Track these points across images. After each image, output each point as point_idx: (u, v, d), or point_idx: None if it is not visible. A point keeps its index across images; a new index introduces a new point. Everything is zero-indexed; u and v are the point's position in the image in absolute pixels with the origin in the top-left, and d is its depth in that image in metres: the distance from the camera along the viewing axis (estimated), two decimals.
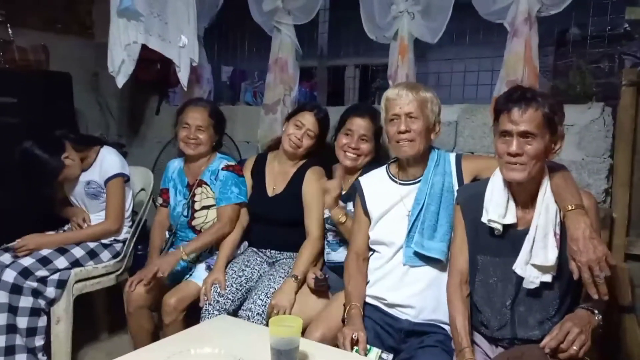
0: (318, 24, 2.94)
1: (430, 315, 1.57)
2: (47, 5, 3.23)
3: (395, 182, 1.69)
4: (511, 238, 1.41)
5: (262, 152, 2.29)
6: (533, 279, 1.34)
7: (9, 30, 2.89)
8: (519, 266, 1.36)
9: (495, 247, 1.43)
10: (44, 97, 2.75)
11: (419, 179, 1.65)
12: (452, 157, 1.69)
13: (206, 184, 2.18)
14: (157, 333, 2.13)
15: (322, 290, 1.92)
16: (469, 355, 1.37)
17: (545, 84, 2.33)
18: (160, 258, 2.05)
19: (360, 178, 1.79)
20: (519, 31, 2.03)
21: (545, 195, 1.37)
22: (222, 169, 2.15)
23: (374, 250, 1.71)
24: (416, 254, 1.58)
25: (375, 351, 1.45)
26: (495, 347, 1.46)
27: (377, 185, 1.73)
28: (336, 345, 1.55)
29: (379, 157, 2.02)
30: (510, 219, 1.40)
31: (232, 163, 2.19)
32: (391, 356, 1.46)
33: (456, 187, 1.63)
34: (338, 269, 1.94)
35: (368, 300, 1.66)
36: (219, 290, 1.95)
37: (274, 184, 2.14)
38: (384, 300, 1.62)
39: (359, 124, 1.95)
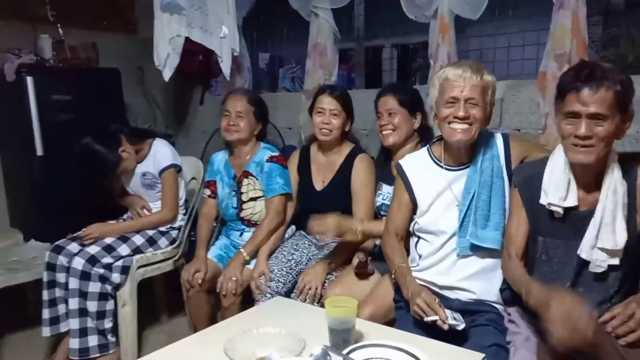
0: (354, 5, 2.93)
1: (481, 296, 1.57)
2: (93, 4, 3.35)
3: (441, 167, 1.63)
4: (572, 220, 1.36)
5: (305, 145, 2.30)
6: (600, 262, 1.31)
7: (60, 30, 3.02)
8: (585, 250, 1.32)
9: (556, 229, 1.38)
10: (96, 93, 2.88)
11: (467, 165, 1.59)
12: (499, 138, 1.62)
13: (252, 175, 2.22)
14: (214, 315, 2.23)
15: (362, 273, 1.94)
16: (534, 284, 1.33)
17: (593, 56, 2.25)
18: (228, 266, 2.09)
19: (400, 161, 1.72)
20: (565, 2, 1.96)
21: (613, 176, 1.31)
22: (267, 160, 2.18)
23: (419, 237, 1.68)
24: (471, 244, 1.55)
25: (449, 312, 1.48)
26: None
27: (421, 169, 1.66)
28: (385, 323, 1.57)
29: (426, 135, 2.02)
30: (572, 201, 1.34)
31: (276, 154, 2.22)
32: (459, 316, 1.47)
33: (505, 171, 1.57)
34: None
35: (417, 281, 1.64)
36: (271, 275, 2.01)
37: (323, 177, 2.14)
38: (435, 284, 1.61)
39: (385, 102, 1.98)
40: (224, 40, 2.67)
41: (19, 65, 2.66)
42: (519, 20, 2.47)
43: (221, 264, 2.20)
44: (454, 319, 1.44)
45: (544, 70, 2.01)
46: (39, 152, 2.68)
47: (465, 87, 1.48)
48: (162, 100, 3.66)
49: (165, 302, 2.69)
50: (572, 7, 1.94)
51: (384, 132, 1.98)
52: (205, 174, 2.39)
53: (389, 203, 1.86)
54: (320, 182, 2.15)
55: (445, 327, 1.42)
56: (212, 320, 2.19)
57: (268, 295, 1.97)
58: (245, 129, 2.19)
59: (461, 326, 1.44)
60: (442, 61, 2.24)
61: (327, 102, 2.07)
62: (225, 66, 2.69)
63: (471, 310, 1.56)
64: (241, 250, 2.11)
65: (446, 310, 1.46)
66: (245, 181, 2.23)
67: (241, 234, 2.28)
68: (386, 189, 2.02)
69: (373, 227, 1.90)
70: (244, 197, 2.23)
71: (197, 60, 3.09)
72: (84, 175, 2.27)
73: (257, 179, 2.21)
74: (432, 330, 1.45)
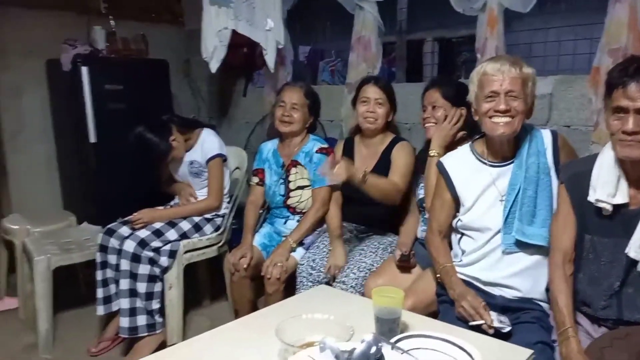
0: None
1: (527, 294, 1.55)
2: None
3: (485, 163, 1.61)
4: (622, 218, 1.33)
5: (349, 137, 2.33)
6: None
7: (111, 22, 3.13)
8: (633, 249, 1.29)
9: (604, 227, 1.36)
10: (145, 83, 2.98)
11: (512, 161, 1.57)
12: (547, 134, 1.59)
13: (300, 164, 2.26)
14: (255, 302, 2.30)
15: (404, 266, 1.96)
16: (572, 334, 1.33)
17: None
18: (275, 252, 2.13)
19: (442, 159, 1.73)
20: None
21: None
22: (317, 151, 2.22)
23: (462, 234, 1.68)
24: (517, 241, 1.53)
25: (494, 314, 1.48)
26: (598, 326, 1.42)
27: (464, 166, 1.65)
28: (427, 316, 1.59)
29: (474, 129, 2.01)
30: (621, 198, 1.31)
31: (325, 146, 2.26)
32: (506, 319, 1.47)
33: (553, 168, 1.55)
34: None
35: (460, 277, 1.64)
36: (312, 264, 2.06)
37: (365, 166, 2.14)
38: (479, 280, 1.61)
39: (430, 95, 1.98)
40: (270, 33, 2.71)
41: (75, 55, 2.78)
42: (569, 13, 2.40)
43: (265, 252, 2.26)
44: (500, 321, 1.44)
45: (598, 65, 1.96)
46: (92, 139, 2.80)
47: (505, 80, 1.48)
48: (206, 91, 3.75)
49: (208, 288, 2.78)
50: (630, 0, 1.88)
51: (426, 125, 1.99)
52: (253, 163, 2.45)
53: None
54: (362, 171, 2.16)
55: (491, 331, 1.42)
56: (254, 307, 2.25)
57: (309, 284, 2.01)
58: (299, 121, 2.24)
59: (507, 329, 1.44)
60: (490, 55, 2.21)
61: (372, 92, 2.10)
62: (270, 59, 2.73)
63: (515, 307, 1.55)
64: (288, 238, 2.16)
65: (492, 313, 1.46)
66: (293, 170, 2.27)
67: (285, 222, 2.33)
68: None
69: (378, 180, 1.95)
70: (292, 185, 2.27)
71: (241, 53, 3.15)
72: (136, 162, 2.36)
73: (305, 169, 2.25)
74: (475, 326, 1.46)
